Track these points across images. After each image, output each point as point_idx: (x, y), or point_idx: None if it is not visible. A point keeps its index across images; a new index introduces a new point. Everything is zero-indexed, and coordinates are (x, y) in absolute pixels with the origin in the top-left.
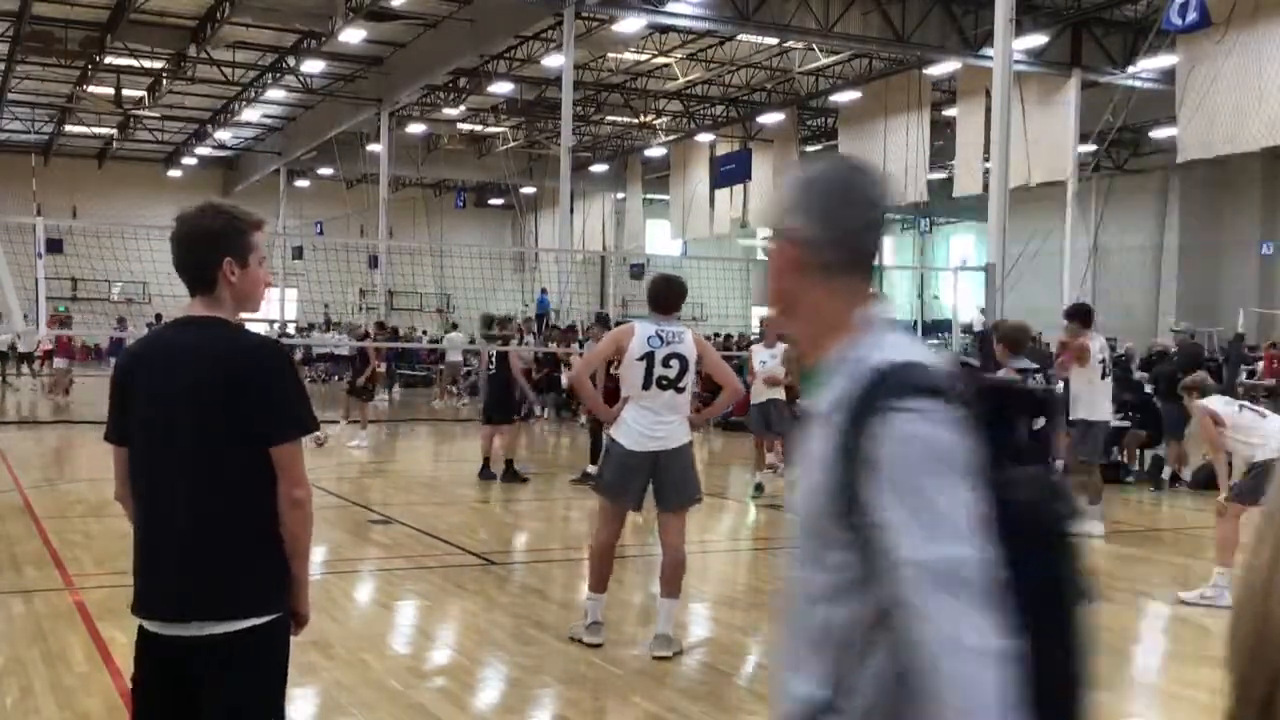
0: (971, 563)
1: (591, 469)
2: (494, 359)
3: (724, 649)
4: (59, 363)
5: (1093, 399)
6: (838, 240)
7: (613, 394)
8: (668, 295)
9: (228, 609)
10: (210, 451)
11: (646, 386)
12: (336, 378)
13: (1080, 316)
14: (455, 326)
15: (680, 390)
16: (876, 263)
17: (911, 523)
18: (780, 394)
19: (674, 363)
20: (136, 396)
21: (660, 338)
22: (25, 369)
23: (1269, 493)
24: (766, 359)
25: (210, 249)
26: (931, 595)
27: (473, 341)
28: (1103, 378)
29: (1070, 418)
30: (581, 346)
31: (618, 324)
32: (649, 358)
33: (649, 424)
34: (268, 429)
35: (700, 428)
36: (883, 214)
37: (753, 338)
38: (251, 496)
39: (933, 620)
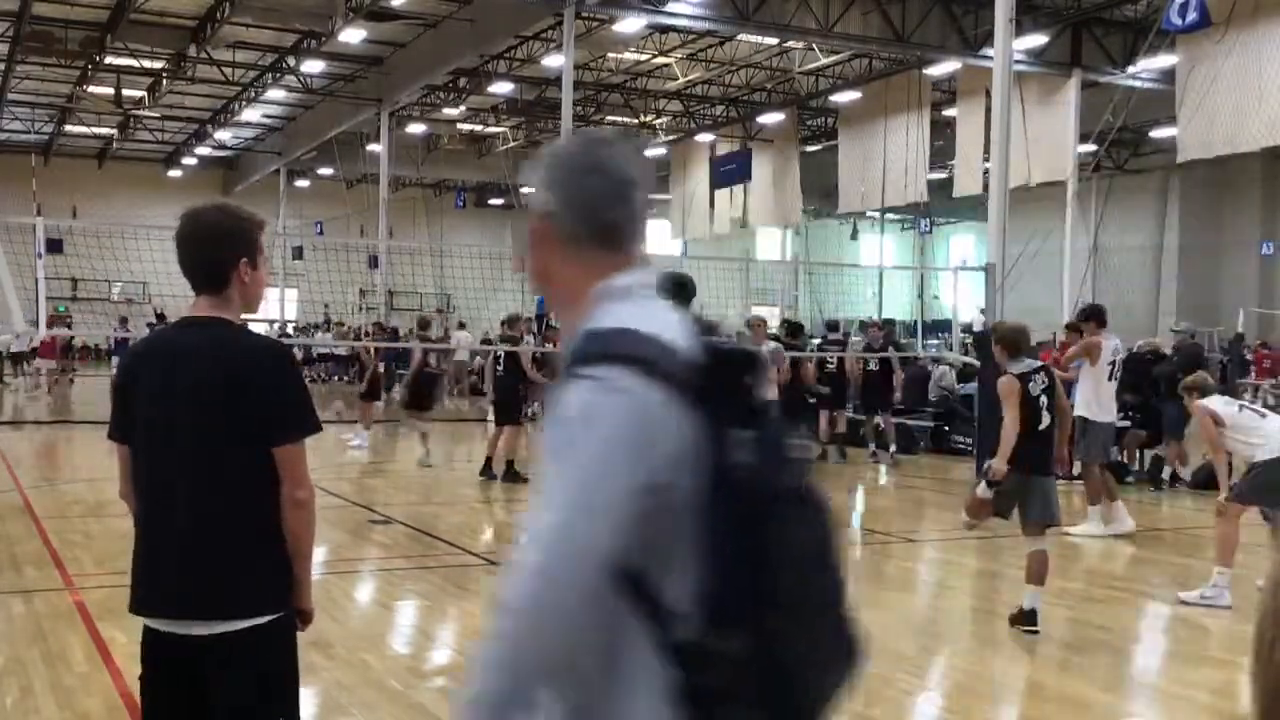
0: (574, 539)
1: None
2: (502, 360)
3: None
4: (38, 363)
5: (1096, 399)
6: (582, 213)
7: None
8: (679, 295)
9: (228, 608)
10: (210, 451)
11: None
12: (336, 378)
13: (1096, 317)
14: (462, 325)
15: None
16: (637, 233)
17: (549, 488)
18: (773, 393)
19: None
20: (138, 396)
21: None
22: (19, 370)
23: None
24: None
25: (227, 249)
26: (529, 562)
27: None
28: (1110, 379)
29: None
30: None
31: None
32: None
33: None
34: (269, 429)
35: None
36: (632, 186)
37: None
38: (252, 497)
39: (513, 585)
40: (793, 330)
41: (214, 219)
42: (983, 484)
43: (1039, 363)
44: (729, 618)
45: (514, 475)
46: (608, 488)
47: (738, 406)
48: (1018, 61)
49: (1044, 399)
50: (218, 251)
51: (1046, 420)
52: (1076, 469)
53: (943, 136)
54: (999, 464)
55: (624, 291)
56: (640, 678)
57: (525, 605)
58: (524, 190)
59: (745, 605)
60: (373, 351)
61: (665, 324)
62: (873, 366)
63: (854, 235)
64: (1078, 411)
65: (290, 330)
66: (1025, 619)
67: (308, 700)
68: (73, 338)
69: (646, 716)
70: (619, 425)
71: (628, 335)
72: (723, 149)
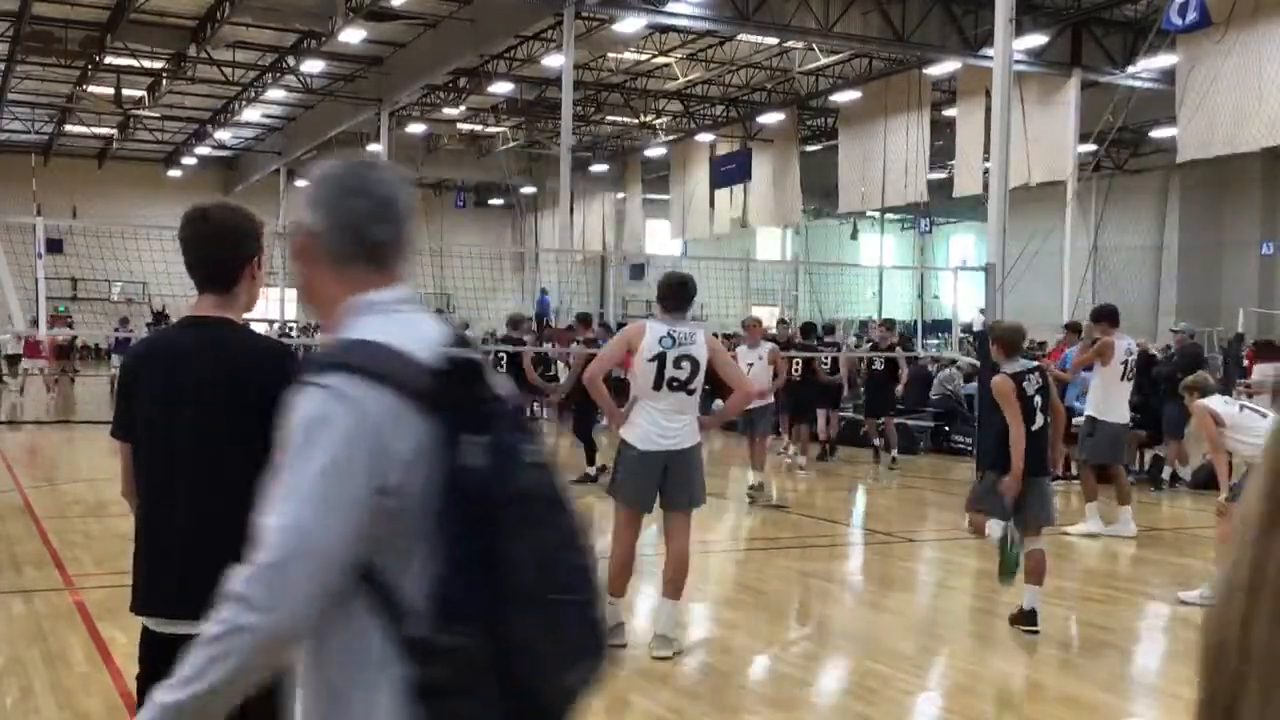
0: (300, 539)
1: (591, 470)
2: (506, 361)
3: (724, 649)
4: (25, 363)
5: (1106, 399)
6: (347, 232)
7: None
8: (681, 295)
9: None
10: (211, 451)
11: (657, 387)
12: None
13: (1109, 318)
14: (467, 325)
15: (691, 392)
16: (400, 253)
17: (277, 488)
18: (769, 398)
19: (685, 364)
20: (139, 396)
21: (672, 338)
22: (15, 370)
23: (1241, 499)
24: (753, 360)
25: (242, 248)
26: (262, 561)
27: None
28: (1122, 379)
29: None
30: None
31: (619, 325)
32: (660, 359)
33: (659, 424)
34: (270, 430)
35: (712, 429)
36: (396, 207)
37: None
38: (253, 497)
39: (247, 580)
40: (805, 330)
41: (227, 218)
42: (991, 524)
43: (1033, 363)
44: (460, 615)
45: None
46: (336, 490)
47: (471, 413)
48: (1018, 61)
49: (1038, 399)
50: (232, 250)
51: (1040, 421)
52: (1074, 469)
53: (943, 136)
54: (1012, 483)
55: (374, 306)
56: (380, 674)
57: (257, 601)
58: (525, 190)
59: (477, 603)
60: None
61: (411, 336)
62: (878, 366)
63: (854, 235)
64: (1087, 411)
65: (293, 331)
66: (1025, 619)
67: None
68: (75, 338)
69: (386, 711)
70: (346, 431)
71: (362, 346)
72: (723, 149)
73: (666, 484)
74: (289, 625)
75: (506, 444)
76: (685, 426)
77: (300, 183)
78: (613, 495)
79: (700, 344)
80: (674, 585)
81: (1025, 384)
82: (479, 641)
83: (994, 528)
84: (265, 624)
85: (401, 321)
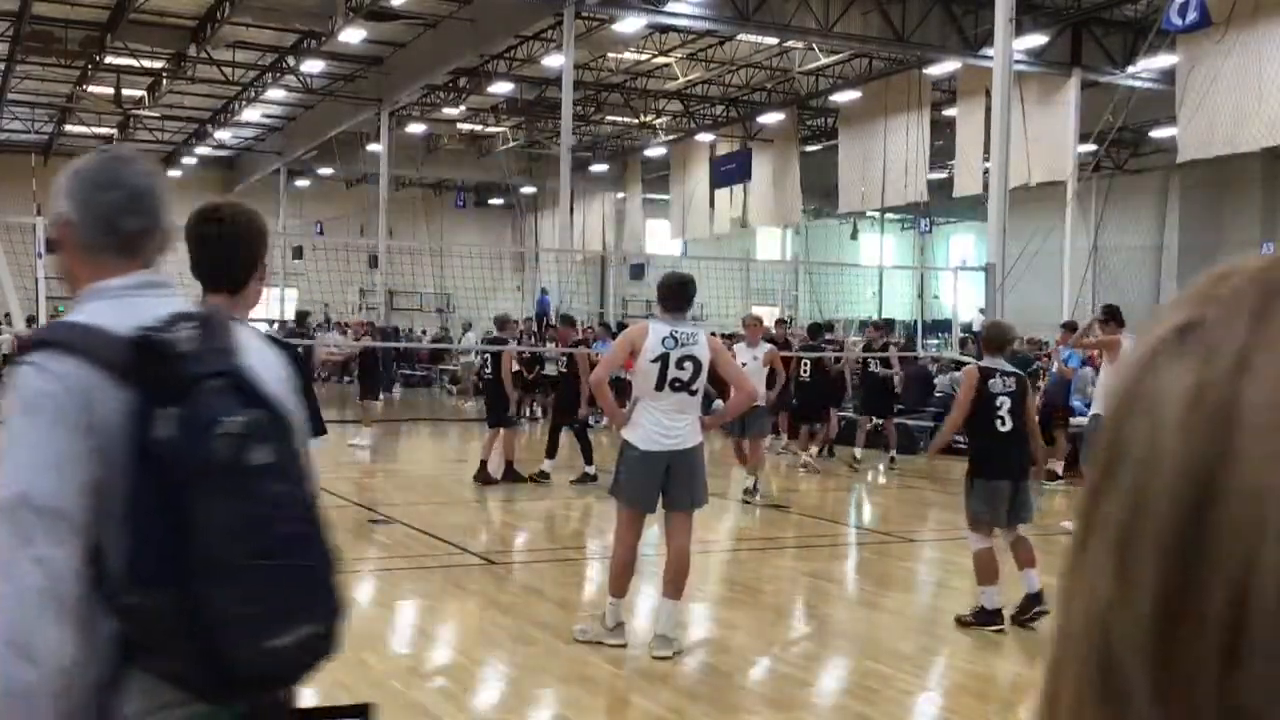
0: (32, 502)
1: (590, 469)
2: (490, 361)
3: (724, 649)
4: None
5: (1110, 397)
6: (99, 223)
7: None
8: (681, 295)
9: None
10: None
11: (659, 388)
12: (334, 378)
13: (1116, 318)
14: (469, 326)
15: (693, 392)
16: (152, 242)
17: (1, 463)
18: (762, 400)
19: (688, 365)
20: None
21: (675, 339)
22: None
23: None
24: (748, 360)
25: (256, 249)
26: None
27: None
28: None
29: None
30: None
31: (620, 325)
32: (663, 359)
33: (662, 424)
34: None
35: (712, 429)
36: (148, 199)
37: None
38: None
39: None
40: (813, 331)
41: (251, 219)
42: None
43: (1013, 369)
44: (148, 579)
45: (514, 475)
46: (54, 455)
47: (166, 386)
48: (1018, 61)
49: (1004, 400)
50: (247, 251)
51: (1007, 425)
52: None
53: (943, 136)
54: (932, 451)
55: (104, 292)
56: (97, 629)
57: (15, 576)
58: (525, 190)
59: (167, 570)
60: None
61: (122, 317)
62: (874, 368)
63: (854, 235)
64: (1094, 409)
65: (312, 331)
66: (1030, 602)
67: (307, 701)
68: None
69: (102, 664)
70: (55, 402)
71: (64, 325)
72: (723, 149)
73: (669, 484)
74: (53, 584)
75: (203, 416)
76: (687, 426)
77: (58, 177)
78: (615, 496)
79: (702, 344)
80: (674, 585)
81: (992, 382)
82: (166, 605)
83: (990, 598)
84: (24, 593)
85: (123, 305)
